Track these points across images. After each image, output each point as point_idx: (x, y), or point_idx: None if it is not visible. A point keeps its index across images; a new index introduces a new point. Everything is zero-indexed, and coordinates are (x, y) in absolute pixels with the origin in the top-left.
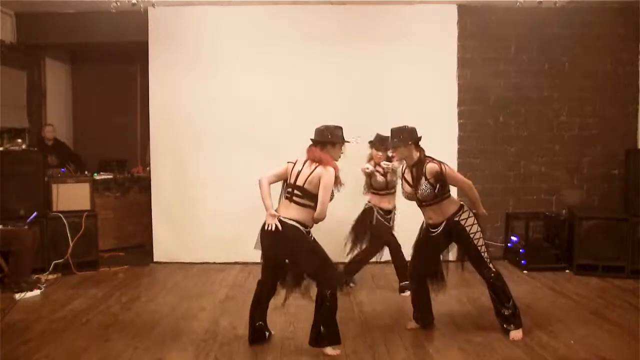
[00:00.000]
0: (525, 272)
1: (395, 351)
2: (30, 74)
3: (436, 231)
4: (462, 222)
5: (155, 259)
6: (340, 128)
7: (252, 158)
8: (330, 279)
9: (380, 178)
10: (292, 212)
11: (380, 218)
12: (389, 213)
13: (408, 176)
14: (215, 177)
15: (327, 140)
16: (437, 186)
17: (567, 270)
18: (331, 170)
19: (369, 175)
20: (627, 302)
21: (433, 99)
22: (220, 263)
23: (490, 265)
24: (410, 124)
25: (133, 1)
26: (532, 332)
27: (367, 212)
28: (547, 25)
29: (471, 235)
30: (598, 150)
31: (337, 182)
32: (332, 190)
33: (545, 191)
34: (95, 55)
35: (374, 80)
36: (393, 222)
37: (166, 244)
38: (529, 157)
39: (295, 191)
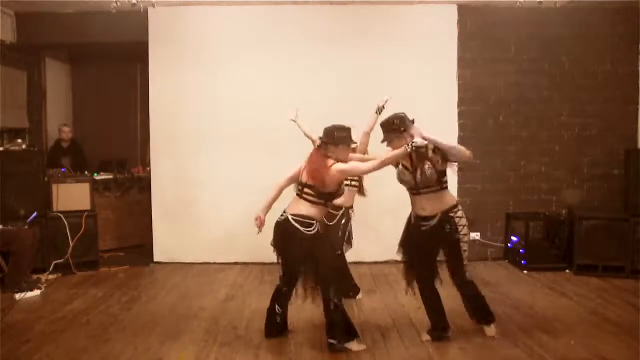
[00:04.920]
0: (525, 272)
1: (395, 351)
2: (30, 74)
3: (428, 225)
4: (456, 220)
5: (155, 259)
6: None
7: (252, 158)
8: (324, 283)
9: None
10: (301, 207)
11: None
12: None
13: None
14: (216, 177)
15: (327, 141)
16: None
17: (567, 270)
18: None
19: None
20: (627, 302)
21: (433, 99)
22: (220, 263)
23: (468, 273)
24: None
25: (133, 1)
26: (532, 332)
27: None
28: (547, 25)
29: (460, 237)
30: (598, 150)
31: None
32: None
33: (545, 191)
34: (95, 55)
35: (374, 80)
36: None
37: (166, 244)
38: (529, 157)
39: (305, 188)
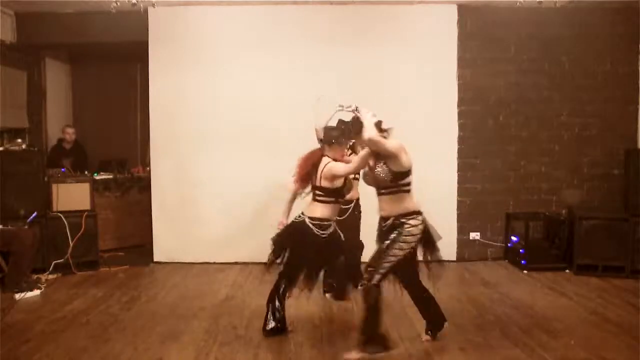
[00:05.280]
0: (525, 272)
1: (395, 351)
2: (30, 74)
3: (385, 225)
4: (406, 227)
5: (155, 259)
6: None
7: (252, 158)
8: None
9: None
10: (316, 210)
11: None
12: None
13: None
14: (215, 177)
15: (323, 141)
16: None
17: (567, 270)
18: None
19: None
20: (627, 302)
21: (433, 99)
22: (220, 263)
23: (378, 277)
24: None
25: (133, 1)
26: (532, 332)
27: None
28: (547, 25)
29: (400, 241)
30: (598, 150)
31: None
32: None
33: (545, 191)
34: (95, 55)
35: (374, 80)
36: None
37: (166, 244)
38: (529, 157)
39: (316, 190)
